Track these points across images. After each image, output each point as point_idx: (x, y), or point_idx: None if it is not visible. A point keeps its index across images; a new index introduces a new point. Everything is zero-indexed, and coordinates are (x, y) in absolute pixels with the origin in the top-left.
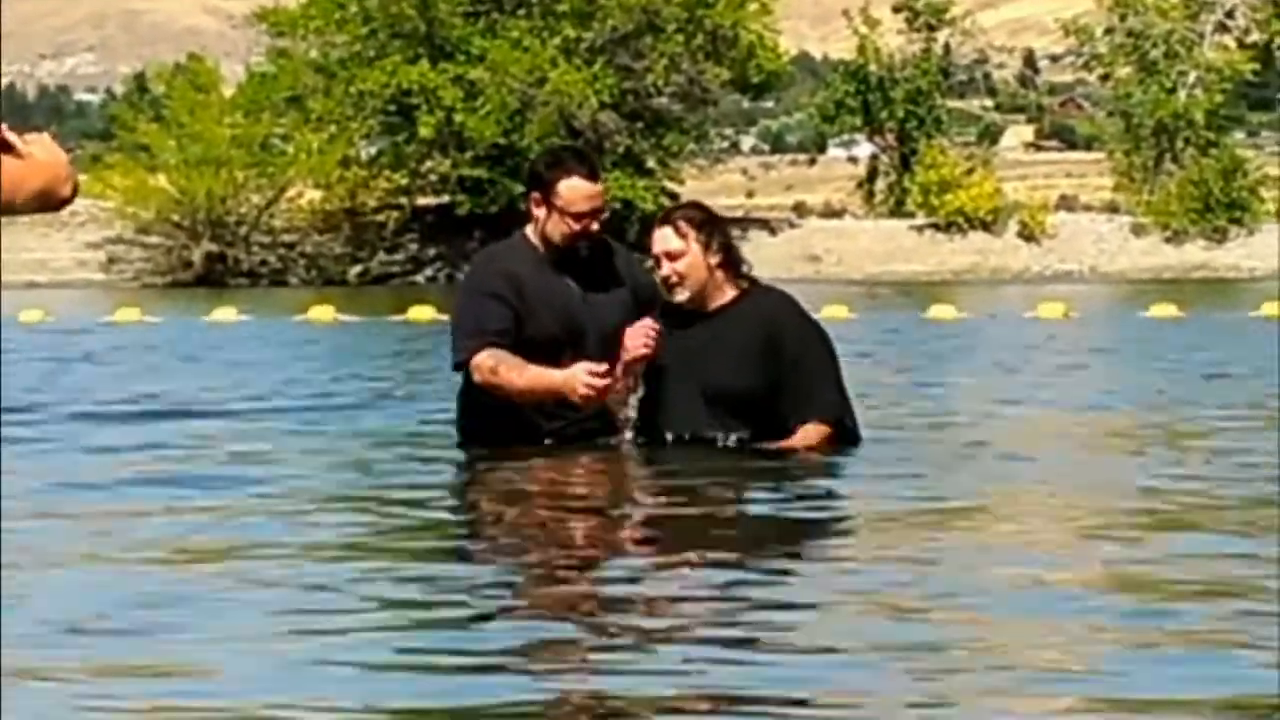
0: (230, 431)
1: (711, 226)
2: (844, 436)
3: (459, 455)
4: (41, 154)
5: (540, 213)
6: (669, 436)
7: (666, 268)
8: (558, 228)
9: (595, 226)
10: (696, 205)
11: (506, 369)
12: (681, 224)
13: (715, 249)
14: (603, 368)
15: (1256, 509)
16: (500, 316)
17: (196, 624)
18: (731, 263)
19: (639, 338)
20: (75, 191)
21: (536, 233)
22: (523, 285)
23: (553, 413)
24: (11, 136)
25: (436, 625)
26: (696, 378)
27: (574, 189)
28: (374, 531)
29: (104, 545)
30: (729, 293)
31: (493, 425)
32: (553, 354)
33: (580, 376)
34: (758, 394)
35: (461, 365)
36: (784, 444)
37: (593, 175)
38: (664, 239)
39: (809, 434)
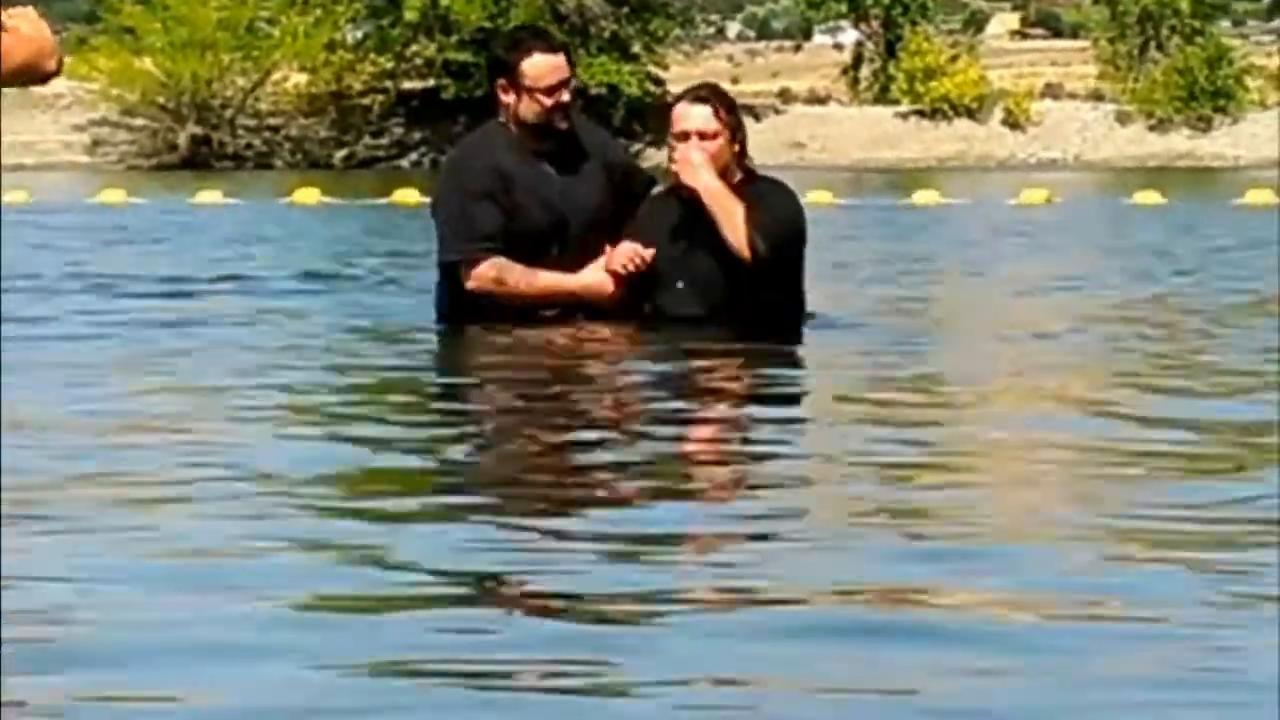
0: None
1: (739, 115)
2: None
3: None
4: (26, 28)
5: (510, 98)
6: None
7: (695, 146)
8: (530, 108)
9: (566, 97)
10: (722, 90)
11: (514, 279)
12: (720, 108)
13: (739, 138)
14: (627, 258)
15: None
16: (493, 218)
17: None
18: (745, 153)
19: (624, 261)
20: (60, 66)
21: (510, 119)
22: (511, 180)
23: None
24: None
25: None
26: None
27: (537, 64)
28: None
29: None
30: (735, 180)
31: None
32: (539, 246)
33: (607, 278)
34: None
35: (453, 266)
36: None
37: (553, 48)
38: (703, 118)
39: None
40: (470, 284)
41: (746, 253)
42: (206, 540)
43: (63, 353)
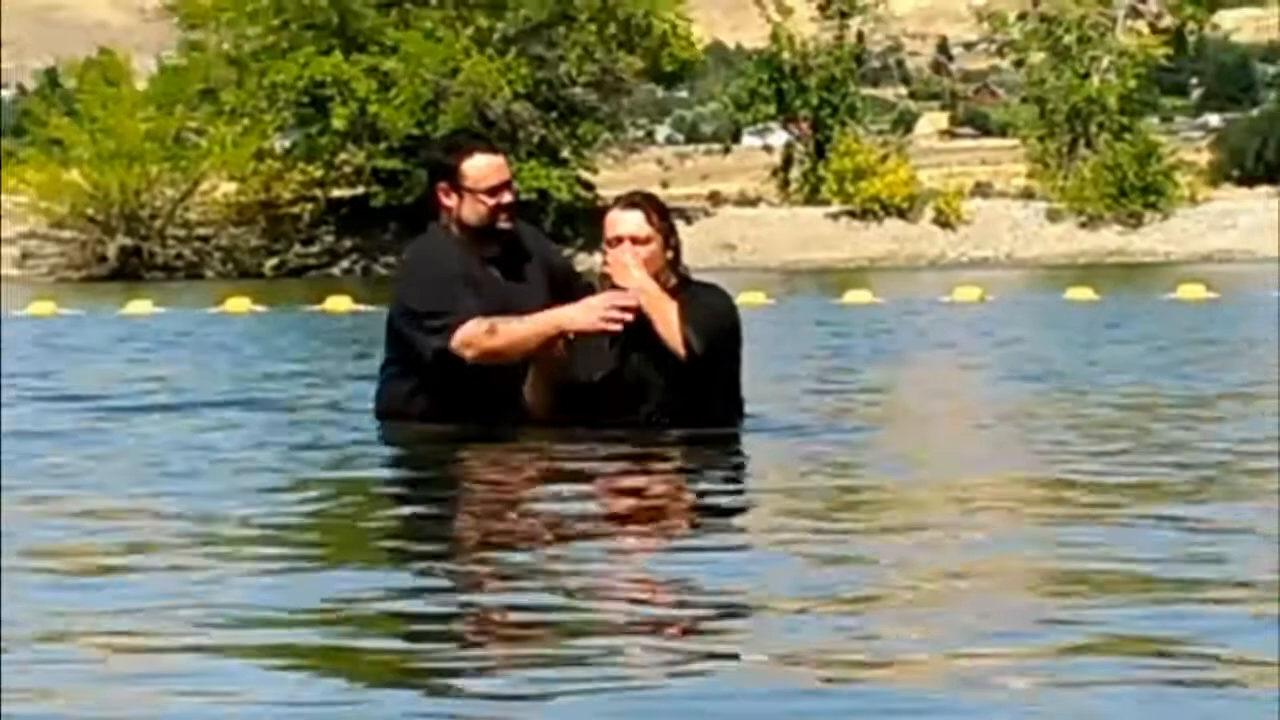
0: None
1: (671, 221)
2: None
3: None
4: None
5: (451, 200)
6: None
7: (628, 250)
8: (473, 209)
9: (508, 198)
10: (654, 197)
11: (504, 325)
12: (652, 213)
13: (673, 243)
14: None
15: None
16: (469, 299)
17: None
18: (679, 260)
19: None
20: None
21: (452, 222)
22: (468, 275)
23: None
24: None
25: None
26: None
27: (479, 165)
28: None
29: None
30: (670, 285)
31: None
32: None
33: (597, 305)
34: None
35: (443, 350)
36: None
37: (493, 149)
38: (635, 223)
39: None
40: (468, 353)
41: (681, 350)
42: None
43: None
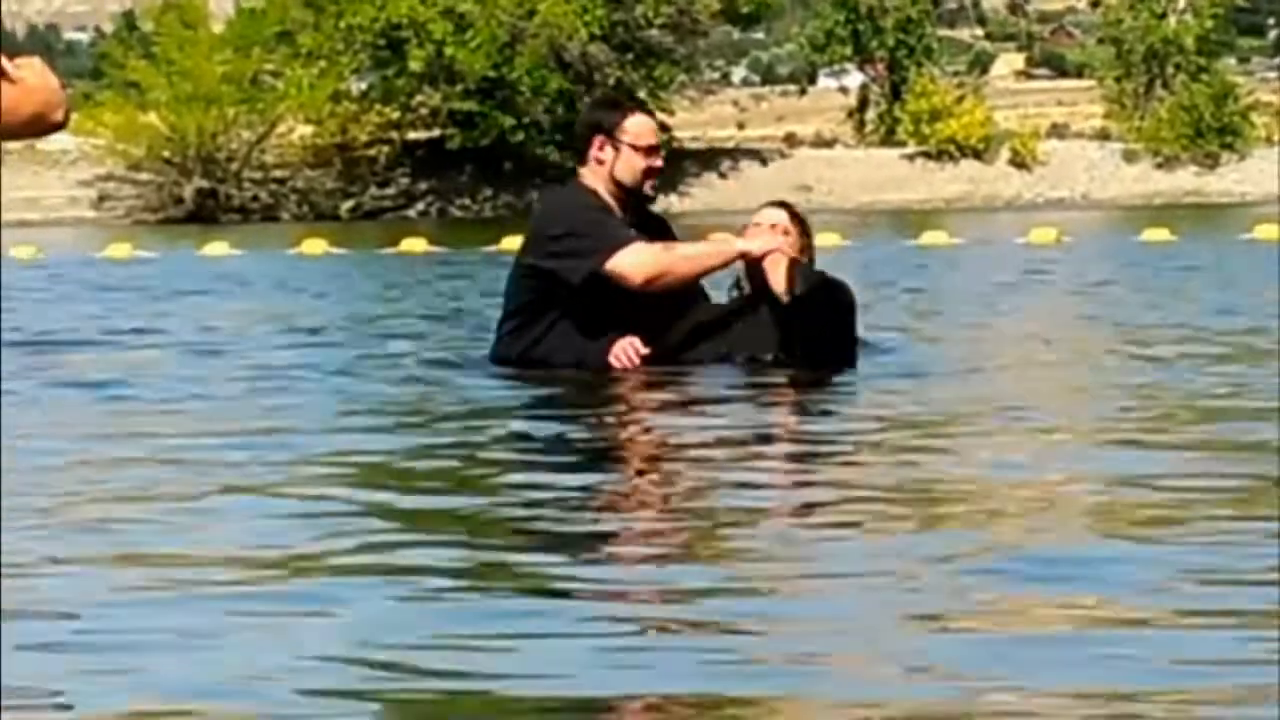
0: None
1: (809, 229)
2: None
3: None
4: (33, 78)
5: (606, 155)
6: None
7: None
8: (629, 165)
9: (659, 162)
10: (795, 206)
11: (681, 246)
12: (794, 217)
13: (807, 248)
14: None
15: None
16: (624, 231)
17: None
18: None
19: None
20: (67, 118)
21: (603, 179)
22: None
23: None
24: (3, 61)
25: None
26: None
27: (640, 124)
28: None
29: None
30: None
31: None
32: (633, 300)
33: (770, 239)
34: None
35: (594, 272)
36: None
37: (650, 113)
38: (779, 218)
39: None
40: (638, 268)
41: (785, 294)
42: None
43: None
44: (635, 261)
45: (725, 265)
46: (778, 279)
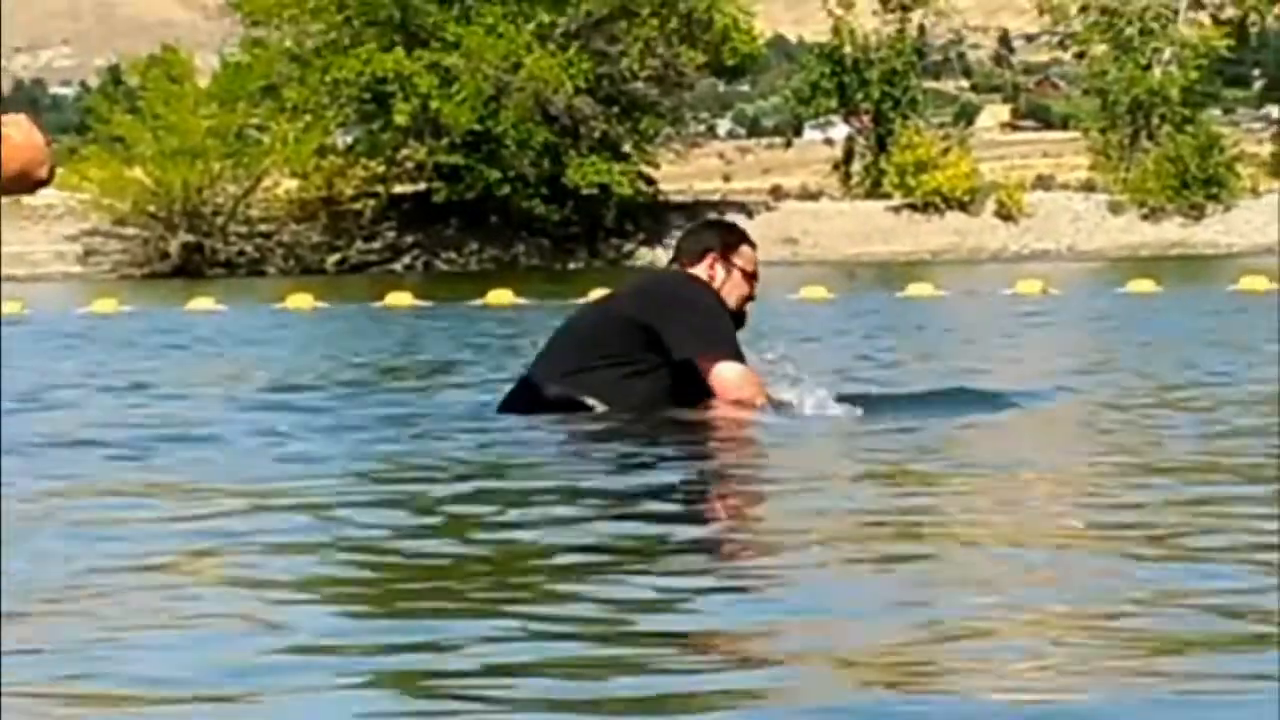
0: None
1: None
2: None
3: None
4: (19, 136)
5: (719, 273)
6: None
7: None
8: (737, 288)
9: (755, 290)
10: None
11: (765, 385)
12: None
13: None
14: None
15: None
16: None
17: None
18: None
19: None
20: (52, 174)
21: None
22: None
23: None
24: None
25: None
26: None
27: (751, 254)
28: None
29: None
30: None
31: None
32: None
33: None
34: None
35: (695, 359)
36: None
37: (754, 245)
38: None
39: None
40: (745, 391)
41: None
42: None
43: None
44: (738, 379)
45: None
46: None
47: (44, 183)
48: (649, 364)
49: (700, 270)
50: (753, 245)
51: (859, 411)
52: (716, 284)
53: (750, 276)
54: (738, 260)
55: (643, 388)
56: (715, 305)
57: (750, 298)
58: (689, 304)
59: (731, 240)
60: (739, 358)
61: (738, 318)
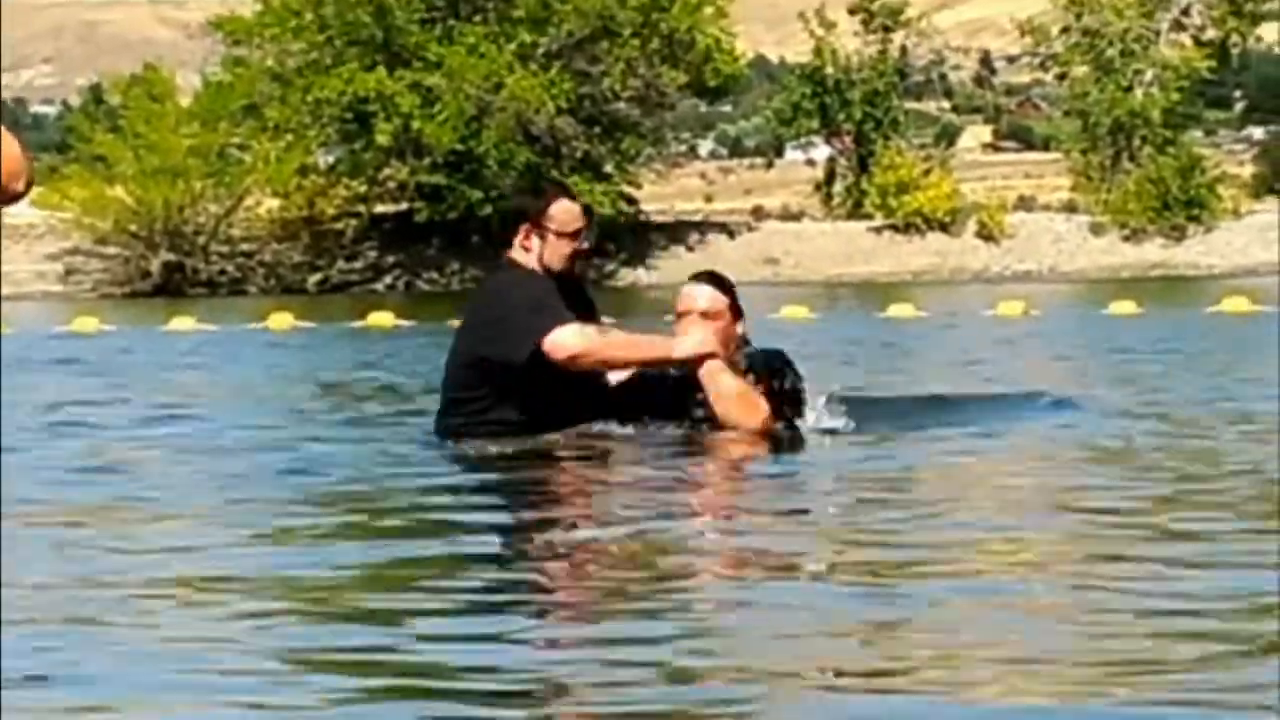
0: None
1: (737, 298)
2: None
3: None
4: None
5: (535, 243)
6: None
7: (699, 325)
8: (557, 251)
9: (585, 245)
10: (722, 275)
11: (617, 334)
12: (721, 290)
13: (741, 319)
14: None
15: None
16: (568, 315)
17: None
18: (746, 338)
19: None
20: (29, 186)
21: (535, 265)
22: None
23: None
24: None
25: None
26: None
27: (565, 209)
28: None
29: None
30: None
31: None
32: (566, 379)
33: (706, 339)
34: None
35: (536, 350)
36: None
37: (574, 197)
38: (707, 298)
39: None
40: (573, 351)
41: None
42: None
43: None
44: (563, 339)
45: (654, 365)
46: (728, 416)
47: (21, 195)
48: (495, 394)
49: (517, 249)
50: (572, 197)
51: (852, 424)
52: (533, 254)
53: (571, 235)
54: (550, 224)
55: (502, 414)
56: (521, 290)
57: (576, 254)
58: (498, 313)
59: (540, 205)
60: (564, 319)
61: (569, 280)
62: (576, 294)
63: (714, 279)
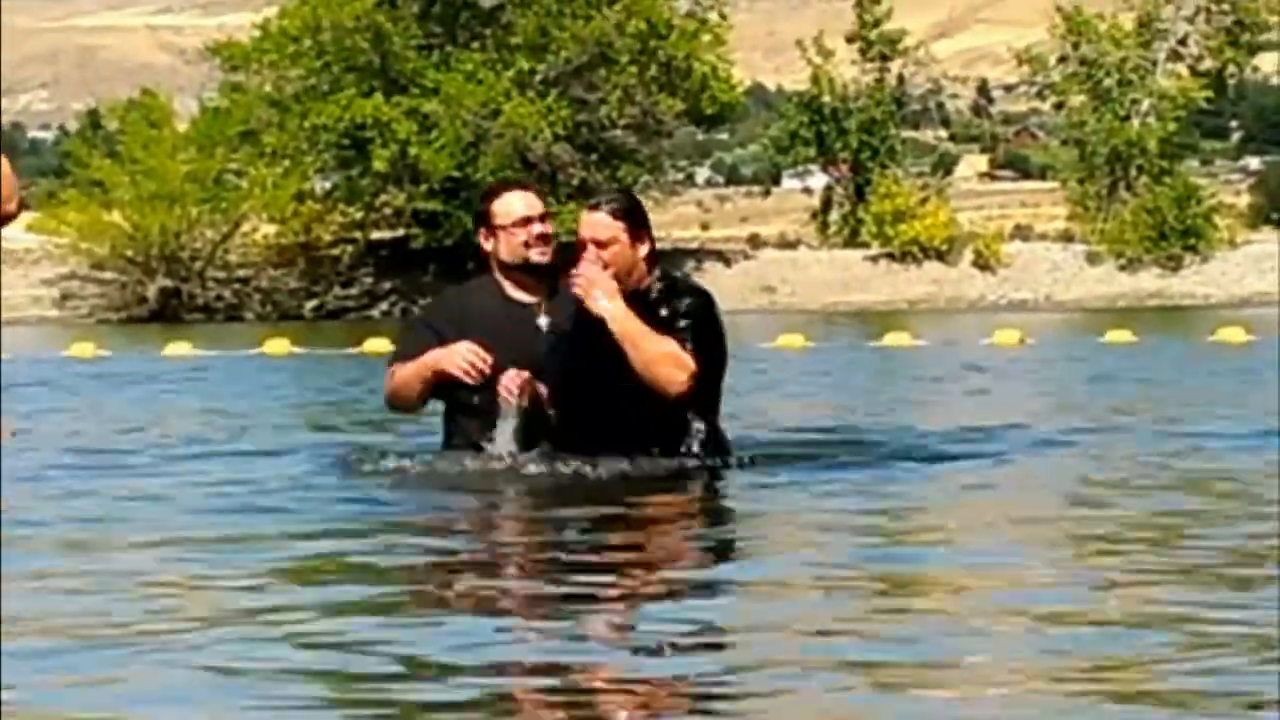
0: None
1: (641, 215)
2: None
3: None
4: None
5: (490, 244)
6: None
7: (593, 262)
8: (509, 244)
9: (539, 229)
10: (623, 193)
11: (400, 369)
12: (617, 211)
13: (644, 238)
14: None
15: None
16: (421, 344)
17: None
18: (654, 257)
19: (511, 385)
20: (21, 209)
21: (496, 268)
22: (467, 318)
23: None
24: None
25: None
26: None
27: (507, 201)
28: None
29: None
30: (649, 286)
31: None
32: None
33: (459, 350)
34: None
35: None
36: None
37: (521, 186)
38: (596, 225)
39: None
40: (385, 399)
41: (670, 390)
42: None
43: None
44: (386, 388)
45: (425, 382)
46: (650, 374)
47: (12, 216)
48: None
49: (488, 257)
50: (520, 188)
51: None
52: (495, 258)
53: (518, 224)
54: (497, 220)
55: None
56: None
57: (526, 243)
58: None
59: (486, 205)
60: (397, 360)
61: (533, 267)
62: (550, 278)
63: (610, 201)
